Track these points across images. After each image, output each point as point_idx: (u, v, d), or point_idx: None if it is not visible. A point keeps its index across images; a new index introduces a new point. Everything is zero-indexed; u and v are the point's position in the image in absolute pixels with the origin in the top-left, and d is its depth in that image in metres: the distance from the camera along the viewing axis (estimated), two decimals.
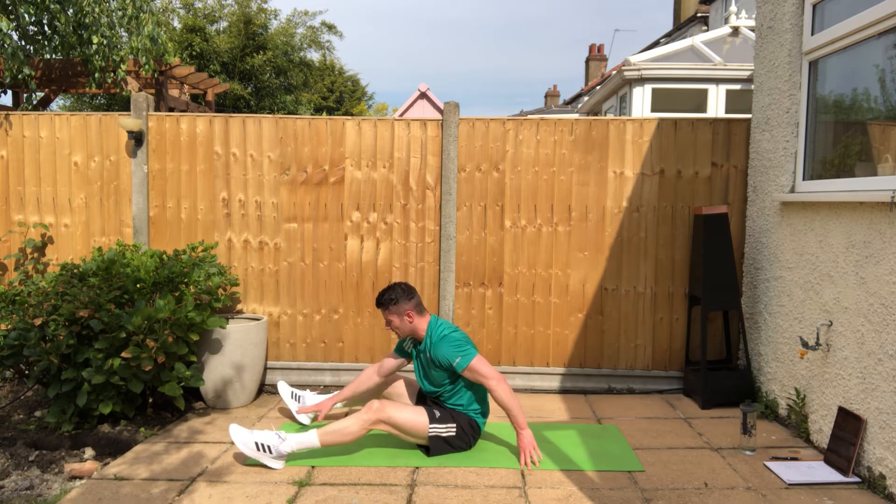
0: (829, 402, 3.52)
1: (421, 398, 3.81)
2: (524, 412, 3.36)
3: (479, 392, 3.59)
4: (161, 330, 3.80)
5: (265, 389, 4.81)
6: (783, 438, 3.78)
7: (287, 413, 4.25)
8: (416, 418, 3.43)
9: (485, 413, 3.61)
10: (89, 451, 3.68)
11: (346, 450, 3.55)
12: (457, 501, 2.97)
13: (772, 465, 3.35)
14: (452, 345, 3.44)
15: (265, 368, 4.81)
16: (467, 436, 3.53)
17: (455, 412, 3.54)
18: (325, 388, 4.81)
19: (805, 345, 3.60)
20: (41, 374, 3.93)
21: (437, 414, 3.49)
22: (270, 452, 3.30)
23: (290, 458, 3.41)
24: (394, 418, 3.37)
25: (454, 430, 3.49)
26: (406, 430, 3.42)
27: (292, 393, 4.11)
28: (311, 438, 3.33)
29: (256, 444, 3.30)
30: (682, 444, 3.69)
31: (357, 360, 4.86)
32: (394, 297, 3.54)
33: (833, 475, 3.21)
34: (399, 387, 3.88)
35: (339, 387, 4.84)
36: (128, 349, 3.69)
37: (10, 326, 3.95)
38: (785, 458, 3.43)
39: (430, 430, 3.44)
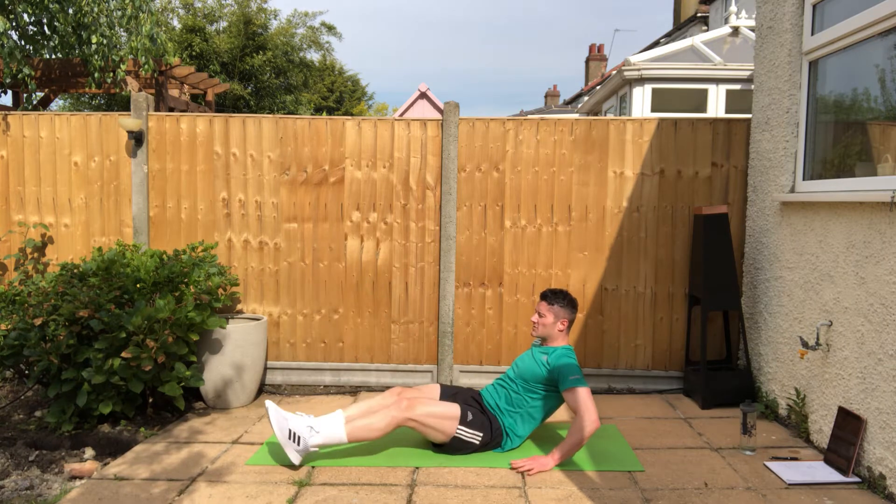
0: (829, 402, 3.52)
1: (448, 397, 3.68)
2: (572, 454, 3.38)
3: (539, 421, 3.57)
4: (161, 330, 3.80)
5: (265, 389, 4.81)
6: (783, 438, 3.78)
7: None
8: (445, 420, 3.40)
9: (517, 440, 3.57)
10: (89, 451, 3.68)
11: (352, 449, 3.55)
12: (457, 501, 2.97)
13: (772, 465, 3.35)
14: (574, 367, 3.44)
15: (265, 368, 4.81)
16: (483, 445, 3.50)
17: (493, 418, 3.52)
18: (325, 388, 4.81)
19: (805, 345, 3.60)
20: (41, 374, 3.93)
21: (470, 417, 3.47)
22: (298, 444, 3.27)
23: (308, 456, 3.39)
24: (423, 418, 3.36)
25: (478, 439, 3.47)
26: (434, 428, 3.40)
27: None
28: (339, 434, 3.30)
29: (290, 431, 3.26)
30: (682, 444, 3.69)
31: (357, 360, 4.86)
32: (564, 302, 3.62)
33: (833, 475, 3.21)
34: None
35: (339, 387, 4.84)
36: (128, 349, 3.69)
37: (10, 326, 3.95)
38: (785, 458, 3.43)
39: (458, 431, 3.43)
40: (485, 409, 3.58)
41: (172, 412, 4.25)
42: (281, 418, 3.29)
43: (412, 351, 4.85)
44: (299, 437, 3.27)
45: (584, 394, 3.33)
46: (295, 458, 3.28)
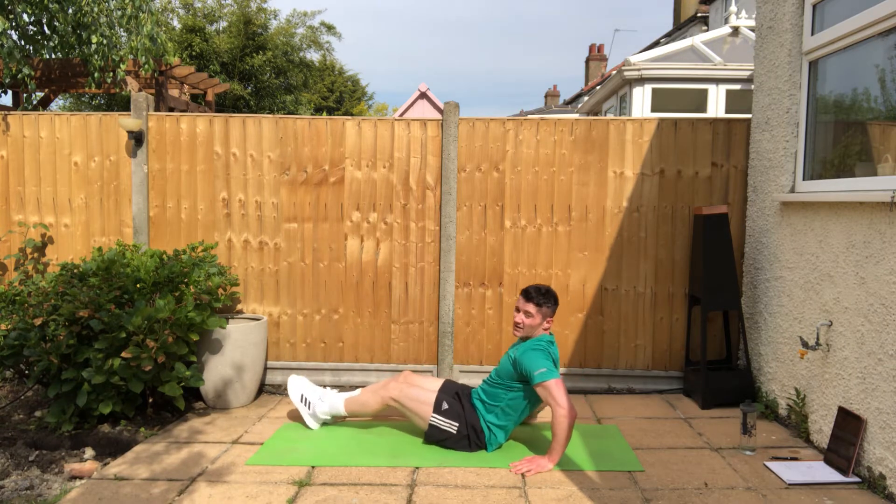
0: (829, 402, 3.52)
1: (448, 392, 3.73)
2: (564, 449, 3.37)
3: (519, 415, 3.57)
4: (161, 330, 3.80)
5: (265, 389, 4.81)
6: (783, 438, 3.78)
7: (293, 415, 4.25)
8: (422, 405, 3.61)
9: (500, 432, 3.57)
10: (89, 451, 3.68)
11: (348, 447, 3.55)
12: (457, 501, 2.97)
13: (772, 465, 3.35)
14: (538, 360, 3.40)
15: (265, 368, 4.81)
16: (465, 439, 3.52)
17: (469, 411, 3.55)
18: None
19: (805, 345, 3.60)
20: (41, 374, 3.93)
21: (445, 406, 3.56)
22: (308, 408, 3.87)
23: (323, 423, 3.92)
24: (403, 399, 3.64)
25: (454, 428, 3.53)
26: (413, 411, 3.64)
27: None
28: (338, 406, 3.82)
29: (302, 395, 3.89)
30: (682, 444, 3.69)
31: (357, 360, 4.86)
32: (551, 302, 3.58)
33: (833, 475, 3.21)
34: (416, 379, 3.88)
35: (340, 387, 4.84)
36: (128, 349, 3.69)
37: (10, 326, 3.95)
38: (785, 458, 3.43)
39: (432, 419, 3.57)
40: (465, 403, 3.62)
41: (172, 412, 4.25)
42: (299, 385, 3.94)
43: (412, 351, 4.85)
44: (309, 402, 3.87)
45: (552, 386, 3.33)
46: (311, 424, 3.88)
